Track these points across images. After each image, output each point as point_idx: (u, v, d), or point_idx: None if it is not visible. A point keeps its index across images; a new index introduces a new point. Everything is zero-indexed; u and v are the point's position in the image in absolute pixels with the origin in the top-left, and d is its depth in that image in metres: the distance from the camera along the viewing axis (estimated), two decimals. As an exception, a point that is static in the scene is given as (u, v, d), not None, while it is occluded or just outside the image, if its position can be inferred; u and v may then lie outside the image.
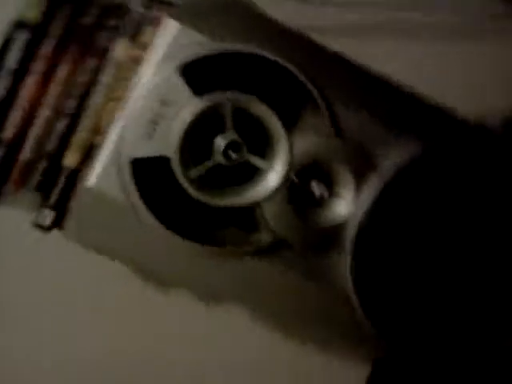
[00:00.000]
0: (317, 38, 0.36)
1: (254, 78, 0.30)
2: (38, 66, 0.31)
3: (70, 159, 0.33)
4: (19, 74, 0.31)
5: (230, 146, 0.29)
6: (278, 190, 0.30)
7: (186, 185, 0.29)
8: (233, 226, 0.33)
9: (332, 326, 0.33)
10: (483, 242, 0.33)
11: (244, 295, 0.33)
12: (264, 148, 0.31)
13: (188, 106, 0.29)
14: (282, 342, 0.42)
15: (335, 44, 0.36)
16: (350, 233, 0.30)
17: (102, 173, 0.30)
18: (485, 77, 0.42)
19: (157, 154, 0.29)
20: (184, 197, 0.30)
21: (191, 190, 0.29)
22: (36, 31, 0.31)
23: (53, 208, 0.34)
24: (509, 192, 0.33)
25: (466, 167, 0.32)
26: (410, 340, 0.32)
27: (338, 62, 0.30)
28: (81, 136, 0.33)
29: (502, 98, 0.41)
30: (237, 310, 0.41)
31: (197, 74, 0.29)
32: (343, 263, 0.30)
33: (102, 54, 0.32)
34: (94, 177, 0.30)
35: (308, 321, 0.33)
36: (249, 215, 0.31)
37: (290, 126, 0.30)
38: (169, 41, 0.29)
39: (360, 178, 0.30)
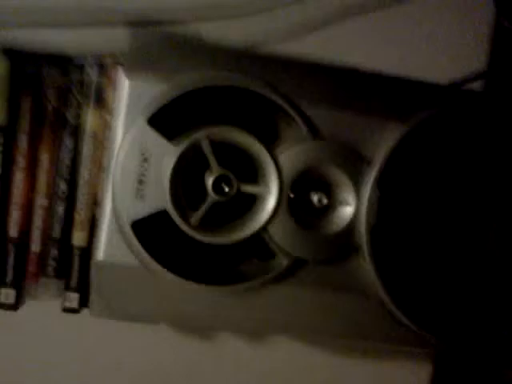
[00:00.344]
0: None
1: (225, 107, 0.30)
2: (21, 163, 0.32)
3: (79, 238, 0.34)
4: (6, 177, 0.33)
5: (220, 181, 0.29)
6: (277, 210, 0.29)
7: (189, 232, 0.29)
8: (252, 256, 0.33)
9: (375, 329, 0.33)
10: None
11: (281, 324, 0.32)
12: (255, 173, 0.31)
13: (167, 155, 0.29)
14: (333, 359, 0.41)
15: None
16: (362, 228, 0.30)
17: (106, 244, 0.30)
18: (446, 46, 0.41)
19: (153, 210, 0.29)
20: (194, 243, 0.30)
21: (196, 236, 0.29)
22: (6, 133, 0.32)
23: (76, 290, 0.35)
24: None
25: (462, 131, 0.32)
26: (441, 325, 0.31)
27: (296, 66, 0.30)
28: (81, 213, 0.34)
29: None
30: (279, 340, 0.41)
31: (169, 119, 0.30)
32: (360, 264, 0.29)
33: (75, 130, 0.33)
34: (100, 250, 0.30)
35: (349, 331, 0.33)
36: (262, 243, 0.31)
37: (271, 144, 0.30)
38: (127, 98, 0.29)
39: (354, 175, 0.30)
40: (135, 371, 0.40)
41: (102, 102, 0.31)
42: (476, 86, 0.41)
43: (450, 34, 0.43)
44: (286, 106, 0.29)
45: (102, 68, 0.31)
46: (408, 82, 0.32)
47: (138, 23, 0.34)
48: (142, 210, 0.29)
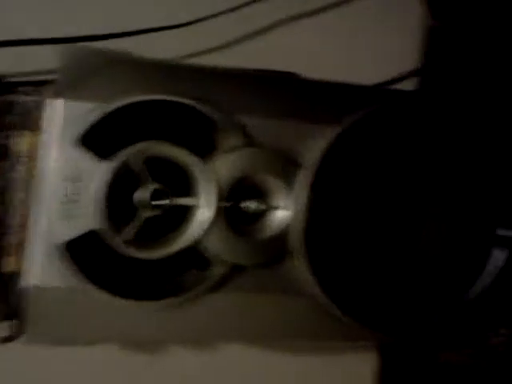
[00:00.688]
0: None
1: (161, 122, 0.30)
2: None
3: (8, 264, 0.33)
4: None
5: (154, 195, 0.29)
6: (212, 220, 0.29)
7: (123, 249, 0.29)
8: (191, 267, 0.33)
9: (317, 328, 0.33)
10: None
11: (224, 331, 0.32)
12: (190, 186, 0.31)
13: (98, 174, 0.28)
14: (280, 360, 0.42)
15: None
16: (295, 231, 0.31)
17: (38, 267, 0.29)
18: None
19: (85, 230, 0.29)
20: (130, 260, 0.30)
21: (131, 253, 0.29)
22: None
23: (12, 317, 0.33)
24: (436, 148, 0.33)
25: (394, 130, 0.33)
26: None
27: (227, 76, 0.30)
28: (10, 238, 0.32)
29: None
30: (225, 347, 0.41)
31: (103, 137, 0.29)
32: (296, 265, 0.30)
33: (6, 153, 0.32)
34: (32, 274, 0.29)
35: (293, 331, 0.33)
36: (199, 253, 0.31)
37: (207, 156, 0.30)
38: (58, 118, 0.28)
39: (288, 180, 0.30)
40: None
41: (33, 121, 0.30)
42: (411, 85, 0.43)
43: (381, 35, 0.44)
44: (217, 117, 0.29)
45: (33, 87, 0.30)
46: (338, 86, 0.33)
47: (69, 39, 0.34)
48: (74, 230, 0.28)
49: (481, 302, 0.34)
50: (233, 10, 0.38)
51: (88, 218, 0.28)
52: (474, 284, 0.34)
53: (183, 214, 0.30)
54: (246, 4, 0.39)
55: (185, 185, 0.30)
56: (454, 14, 0.40)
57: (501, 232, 0.34)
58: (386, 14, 0.43)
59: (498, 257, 0.34)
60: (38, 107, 0.31)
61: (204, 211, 0.29)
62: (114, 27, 0.35)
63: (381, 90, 0.36)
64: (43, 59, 0.32)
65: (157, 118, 0.30)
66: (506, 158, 0.34)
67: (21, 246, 0.32)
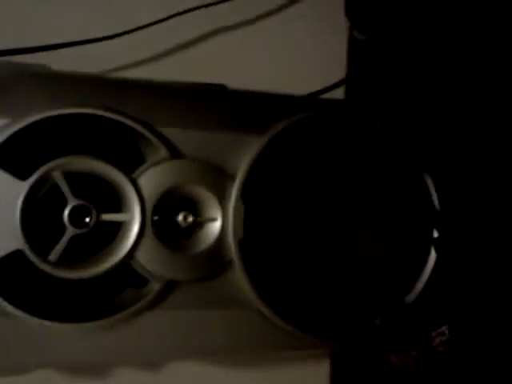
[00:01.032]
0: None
1: (85, 137, 0.29)
2: None
3: None
4: None
5: (78, 212, 0.28)
6: (142, 235, 0.28)
7: (49, 270, 0.27)
8: (127, 285, 0.31)
9: (263, 339, 0.33)
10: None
11: (164, 350, 0.31)
12: (117, 201, 0.30)
13: (15, 192, 0.27)
14: (230, 374, 0.41)
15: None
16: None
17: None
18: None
19: (5, 252, 0.27)
20: (60, 281, 0.28)
21: (58, 273, 0.28)
22: None
23: None
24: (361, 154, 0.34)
25: (322, 138, 0.33)
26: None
27: (149, 88, 0.30)
28: None
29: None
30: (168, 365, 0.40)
31: (18, 156, 0.28)
32: (234, 277, 0.30)
33: None
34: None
35: (240, 344, 0.33)
36: (133, 271, 0.30)
37: (135, 169, 0.29)
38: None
39: (218, 190, 0.30)
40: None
41: None
42: (338, 95, 0.44)
43: (307, 47, 0.45)
44: (138, 128, 0.28)
45: None
46: (266, 96, 0.33)
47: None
48: (-6, 252, 0.27)
49: (421, 304, 0.35)
50: (161, 21, 0.37)
51: (8, 238, 0.27)
52: (413, 286, 0.35)
53: (114, 231, 0.29)
54: (175, 15, 0.38)
55: (113, 200, 0.29)
56: (378, 29, 0.42)
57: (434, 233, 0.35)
58: (314, 27, 0.44)
59: (432, 258, 0.35)
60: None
61: (132, 226, 0.28)
62: (34, 41, 0.34)
63: (308, 99, 0.36)
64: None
65: (78, 134, 0.29)
66: (431, 160, 0.35)
67: None
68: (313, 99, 0.37)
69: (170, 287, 0.30)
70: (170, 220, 0.30)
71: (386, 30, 0.42)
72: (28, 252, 0.27)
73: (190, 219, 0.30)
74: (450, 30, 0.41)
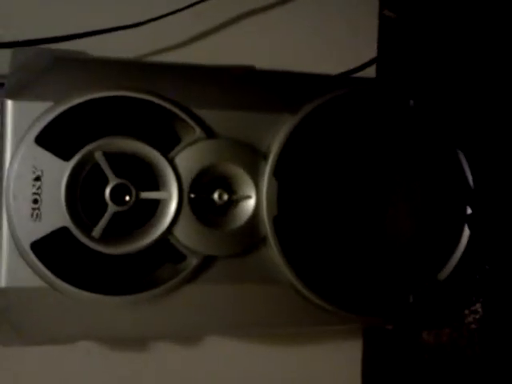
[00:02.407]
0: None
1: (123, 119, 0.30)
2: None
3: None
4: None
5: (118, 191, 0.29)
6: (179, 213, 0.30)
7: (92, 245, 0.29)
8: (166, 261, 0.33)
9: (296, 315, 0.34)
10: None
11: (202, 323, 0.33)
12: (155, 180, 0.31)
13: (60, 172, 0.28)
14: (263, 350, 0.42)
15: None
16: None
17: (7, 269, 0.29)
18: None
19: (52, 229, 0.29)
20: (102, 256, 0.30)
21: (100, 248, 0.29)
22: None
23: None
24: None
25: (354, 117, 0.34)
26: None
27: (184, 70, 0.31)
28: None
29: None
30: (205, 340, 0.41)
31: (60, 137, 0.29)
32: (268, 253, 0.30)
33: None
34: (1, 276, 0.29)
35: (273, 320, 0.34)
36: (172, 247, 0.31)
37: (171, 150, 0.30)
38: (12, 118, 0.28)
39: (252, 169, 0.30)
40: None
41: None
42: (369, 74, 0.43)
43: (338, 26, 0.45)
44: (175, 110, 0.29)
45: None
46: (298, 75, 0.34)
47: (21, 42, 0.34)
48: (40, 229, 0.28)
49: (454, 281, 0.35)
50: (190, 6, 0.38)
51: (54, 216, 0.28)
52: (446, 263, 0.35)
53: (152, 209, 0.31)
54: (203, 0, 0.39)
55: (152, 179, 0.31)
56: (408, 6, 0.41)
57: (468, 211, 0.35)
58: (344, 5, 0.44)
59: (465, 236, 0.35)
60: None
61: (170, 204, 0.29)
62: (70, 29, 0.35)
63: (339, 78, 0.36)
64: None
65: (117, 116, 0.30)
66: (464, 137, 0.35)
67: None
68: (344, 78, 0.37)
69: (206, 263, 0.31)
70: (206, 198, 0.31)
71: (417, 7, 0.41)
72: (73, 229, 0.29)
73: (225, 197, 0.31)
74: (482, 2, 0.40)
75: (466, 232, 0.35)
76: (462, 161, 0.35)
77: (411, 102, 0.34)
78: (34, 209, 0.28)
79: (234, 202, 0.31)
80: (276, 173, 0.30)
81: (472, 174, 0.35)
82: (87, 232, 0.29)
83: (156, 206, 0.30)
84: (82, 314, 0.30)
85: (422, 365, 0.40)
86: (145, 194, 0.29)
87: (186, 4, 0.39)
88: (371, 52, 0.43)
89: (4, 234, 0.29)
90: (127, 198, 0.30)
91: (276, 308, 0.33)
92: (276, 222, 0.31)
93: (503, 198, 0.37)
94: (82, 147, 0.29)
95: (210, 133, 0.30)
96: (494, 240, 0.37)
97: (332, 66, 0.37)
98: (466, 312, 0.38)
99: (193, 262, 0.31)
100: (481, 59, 0.39)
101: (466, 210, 0.35)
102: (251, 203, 0.31)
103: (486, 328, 0.37)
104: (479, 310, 0.38)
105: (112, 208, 0.29)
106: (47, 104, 0.28)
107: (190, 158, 0.30)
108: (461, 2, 0.40)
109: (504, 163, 0.38)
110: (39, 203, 0.28)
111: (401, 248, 0.35)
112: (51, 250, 0.29)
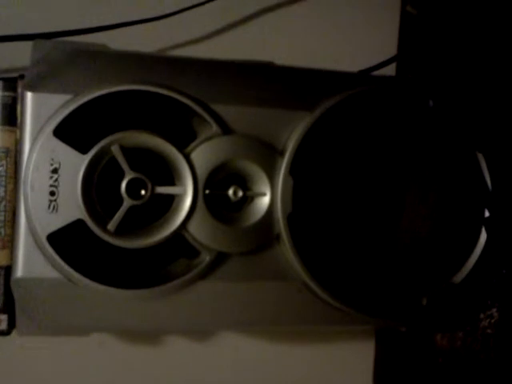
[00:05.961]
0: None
1: (140, 113, 0.30)
2: None
3: (3, 258, 0.33)
4: None
5: (135, 185, 0.29)
6: (194, 208, 0.30)
7: (107, 239, 0.29)
8: (180, 256, 0.33)
9: (308, 313, 0.33)
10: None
11: (213, 319, 0.33)
12: (171, 175, 0.31)
13: (77, 164, 0.28)
14: (274, 348, 0.42)
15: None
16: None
17: (24, 260, 0.29)
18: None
19: (68, 221, 0.29)
20: (117, 249, 0.30)
21: (115, 242, 0.29)
22: None
23: (4, 311, 0.33)
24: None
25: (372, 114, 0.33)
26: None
27: (201, 65, 0.31)
28: (1, 231, 0.33)
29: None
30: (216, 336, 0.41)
31: (77, 130, 0.29)
32: (282, 251, 0.30)
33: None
34: (19, 267, 0.29)
35: (285, 318, 0.33)
36: (186, 242, 0.31)
37: (187, 145, 0.30)
38: (31, 110, 0.29)
39: (267, 166, 0.30)
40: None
41: (10, 116, 0.31)
42: (390, 71, 0.43)
43: (359, 23, 0.44)
44: (192, 105, 0.29)
45: (8, 82, 0.31)
46: (316, 72, 0.33)
47: (41, 35, 0.34)
48: (57, 221, 0.29)
49: (469, 284, 0.34)
50: (210, 1, 0.38)
51: (70, 208, 0.29)
52: (462, 266, 0.35)
53: (167, 203, 0.31)
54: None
55: (167, 174, 0.31)
56: (430, 2, 0.41)
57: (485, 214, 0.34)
58: (365, 2, 0.43)
59: (482, 238, 0.34)
60: (14, 102, 0.31)
61: (185, 199, 0.29)
62: (91, 22, 0.35)
63: (358, 76, 0.35)
64: (20, 55, 0.32)
65: (134, 110, 0.30)
66: (484, 138, 0.34)
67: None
68: (363, 75, 0.37)
69: (220, 259, 0.31)
70: (221, 194, 0.31)
71: (439, 4, 0.40)
72: (89, 221, 0.29)
73: (240, 193, 0.31)
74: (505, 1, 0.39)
75: (484, 235, 0.34)
76: (481, 163, 0.34)
77: (430, 102, 0.33)
78: (51, 201, 0.29)
79: (248, 198, 0.31)
80: (292, 170, 0.30)
81: (490, 177, 0.34)
82: (103, 225, 0.29)
83: (171, 201, 0.31)
84: (95, 306, 0.30)
85: (435, 368, 0.40)
86: (160, 189, 0.30)
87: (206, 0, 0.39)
88: (392, 49, 0.43)
89: (21, 225, 0.29)
90: (143, 192, 0.30)
91: (288, 306, 0.33)
92: (290, 219, 0.31)
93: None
94: (100, 141, 0.29)
95: (226, 129, 0.30)
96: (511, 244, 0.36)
97: (352, 63, 0.36)
98: (482, 316, 0.37)
99: (206, 258, 0.31)
100: (504, 60, 0.39)
101: (483, 212, 0.35)
102: (266, 200, 0.31)
103: (502, 333, 0.37)
104: (495, 314, 0.37)
105: (128, 202, 0.29)
106: (66, 97, 0.29)
107: (205, 154, 0.30)
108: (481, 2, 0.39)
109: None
110: (56, 195, 0.29)
111: (416, 249, 0.34)
112: (67, 242, 0.29)
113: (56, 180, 0.28)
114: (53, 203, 0.29)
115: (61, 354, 0.40)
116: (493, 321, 0.37)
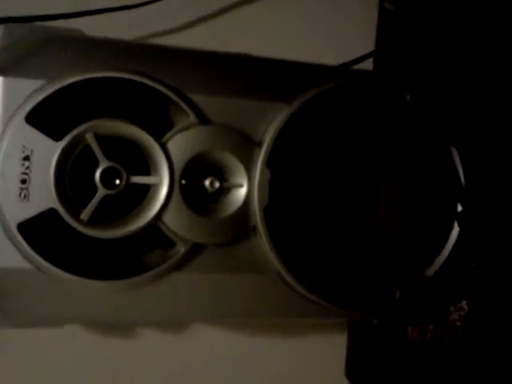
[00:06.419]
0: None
1: (116, 101, 0.30)
2: None
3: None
4: None
5: (109, 174, 0.29)
6: (169, 198, 0.29)
7: (80, 228, 0.28)
8: (155, 247, 0.32)
9: (282, 305, 0.34)
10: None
11: (188, 311, 0.32)
12: (147, 164, 0.30)
13: (49, 152, 0.28)
14: (247, 340, 0.42)
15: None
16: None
17: (-6, 249, 0.29)
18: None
19: (40, 210, 0.28)
20: (91, 239, 0.29)
21: (88, 232, 0.29)
22: None
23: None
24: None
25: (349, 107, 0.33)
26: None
27: (179, 55, 0.30)
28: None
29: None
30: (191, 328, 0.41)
31: (51, 117, 0.29)
32: (257, 243, 0.30)
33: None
34: (-12, 257, 0.29)
35: (259, 310, 0.34)
36: (161, 233, 0.31)
37: (164, 134, 0.30)
38: (2, 96, 0.28)
39: (244, 157, 0.30)
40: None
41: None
42: (367, 66, 0.43)
43: (338, 17, 0.44)
44: (169, 94, 0.29)
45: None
46: (294, 65, 0.33)
47: (14, 19, 0.33)
48: (28, 210, 0.28)
49: (441, 277, 0.35)
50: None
51: (42, 197, 0.28)
52: (434, 259, 0.35)
53: (142, 193, 0.30)
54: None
55: (143, 164, 0.30)
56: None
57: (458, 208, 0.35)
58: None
59: (454, 232, 0.35)
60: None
61: (160, 189, 0.29)
62: (66, 7, 0.34)
63: (336, 69, 0.36)
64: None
65: (110, 97, 0.29)
66: (458, 133, 0.35)
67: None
68: (342, 69, 0.37)
69: (195, 250, 0.31)
70: (197, 185, 0.30)
71: (417, 1, 0.41)
72: (61, 210, 0.28)
73: (217, 184, 0.30)
74: None
75: (456, 229, 0.35)
76: (455, 158, 0.35)
77: (407, 96, 0.34)
78: (22, 189, 0.28)
79: (225, 190, 0.31)
80: (269, 162, 0.30)
81: (464, 172, 0.35)
82: (75, 214, 0.29)
83: (146, 191, 0.30)
84: (68, 298, 0.30)
85: (405, 360, 0.40)
86: (135, 179, 0.29)
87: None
88: (369, 44, 0.43)
89: (-8, 213, 0.29)
90: (117, 181, 0.29)
91: (263, 298, 0.33)
92: (266, 211, 0.31)
93: (494, 197, 0.37)
94: (74, 128, 0.28)
95: (203, 119, 0.30)
96: (483, 238, 0.37)
97: (329, 58, 0.36)
98: (452, 309, 0.38)
99: (181, 249, 0.30)
100: (480, 56, 0.39)
101: (456, 207, 0.35)
102: (243, 192, 0.31)
103: (471, 326, 0.38)
104: (465, 307, 0.38)
105: (102, 191, 0.29)
106: (39, 82, 0.28)
107: (182, 144, 0.29)
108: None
109: (497, 162, 0.38)
110: (27, 183, 0.28)
111: (389, 243, 0.35)
112: (38, 232, 0.29)
113: (28, 168, 0.28)
114: (24, 191, 0.28)
115: (33, 346, 0.39)
116: (463, 313, 0.38)
